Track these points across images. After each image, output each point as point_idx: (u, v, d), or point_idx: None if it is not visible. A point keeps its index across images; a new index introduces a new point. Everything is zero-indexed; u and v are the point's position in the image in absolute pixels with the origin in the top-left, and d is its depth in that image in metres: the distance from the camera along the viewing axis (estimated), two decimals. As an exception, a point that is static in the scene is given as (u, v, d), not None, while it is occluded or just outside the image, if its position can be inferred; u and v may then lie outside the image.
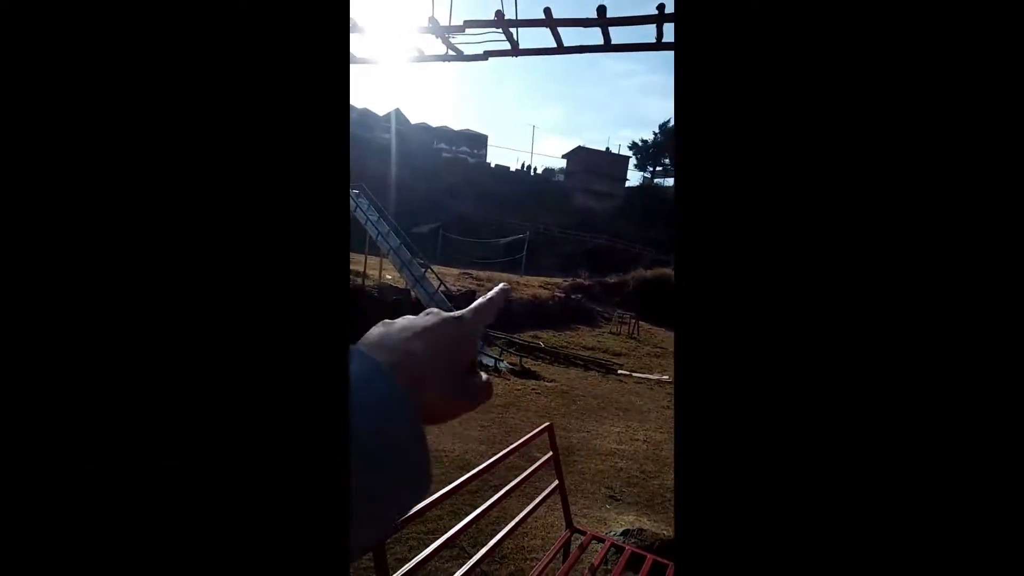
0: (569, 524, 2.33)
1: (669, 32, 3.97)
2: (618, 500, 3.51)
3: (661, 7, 3.82)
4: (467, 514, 1.67)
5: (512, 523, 1.89)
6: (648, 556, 2.21)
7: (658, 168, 42.75)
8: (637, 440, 4.80)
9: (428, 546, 1.43)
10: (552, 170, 39.92)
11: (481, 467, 1.72)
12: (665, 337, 12.39)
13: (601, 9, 3.76)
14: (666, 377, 8.08)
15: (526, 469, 2.09)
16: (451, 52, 4.35)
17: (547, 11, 3.82)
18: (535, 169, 39.17)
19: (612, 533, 2.84)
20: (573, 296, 13.87)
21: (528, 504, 2.06)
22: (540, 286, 14.14)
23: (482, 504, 1.75)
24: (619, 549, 2.32)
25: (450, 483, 1.56)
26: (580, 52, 4.14)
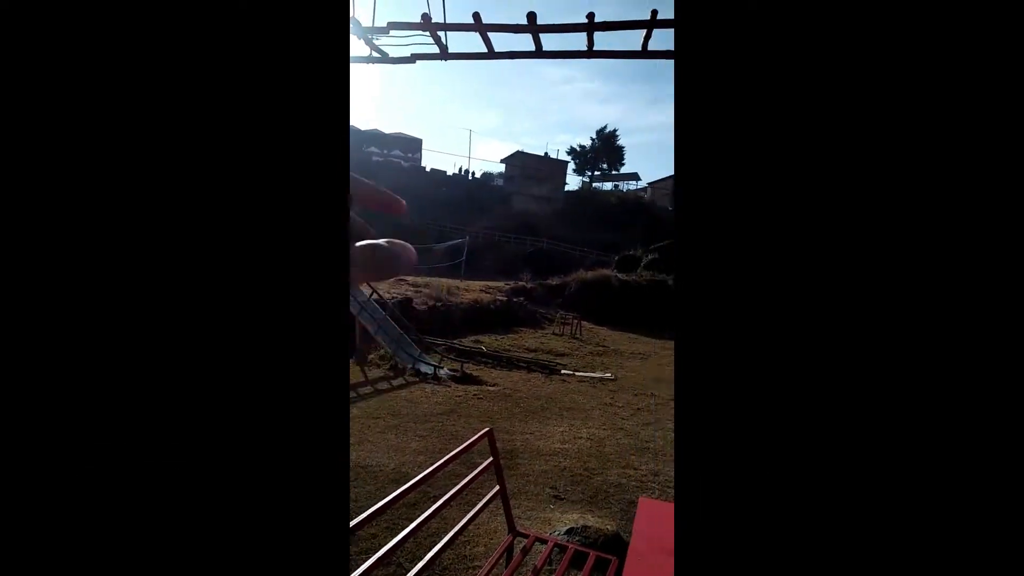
0: (511, 528, 2.32)
1: (600, 40, 4.10)
2: (562, 499, 3.54)
3: (591, 16, 3.93)
4: (404, 529, 1.62)
5: (451, 533, 1.85)
6: (591, 553, 2.25)
7: (596, 172, 44.08)
8: (580, 438, 4.88)
9: (359, 566, 1.36)
10: (491, 174, 40.06)
11: (417, 478, 1.67)
12: (607, 335, 12.75)
13: (531, 16, 3.81)
14: (608, 375, 8.31)
15: (468, 477, 2.05)
16: (375, 54, 4.24)
17: (476, 16, 3.82)
18: (473, 173, 39.16)
19: (556, 533, 2.86)
20: (515, 299, 13.96)
21: (469, 512, 2.02)
22: (481, 290, 14.12)
23: (420, 517, 1.70)
24: (563, 548, 2.34)
25: (384, 498, 1.50)
26: (511, 58, 4.18)
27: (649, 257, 20.03)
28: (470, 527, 2.20)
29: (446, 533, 1.88)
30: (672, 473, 4.13)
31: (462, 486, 1.95)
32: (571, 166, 41.96)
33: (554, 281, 17.10)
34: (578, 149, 44.01)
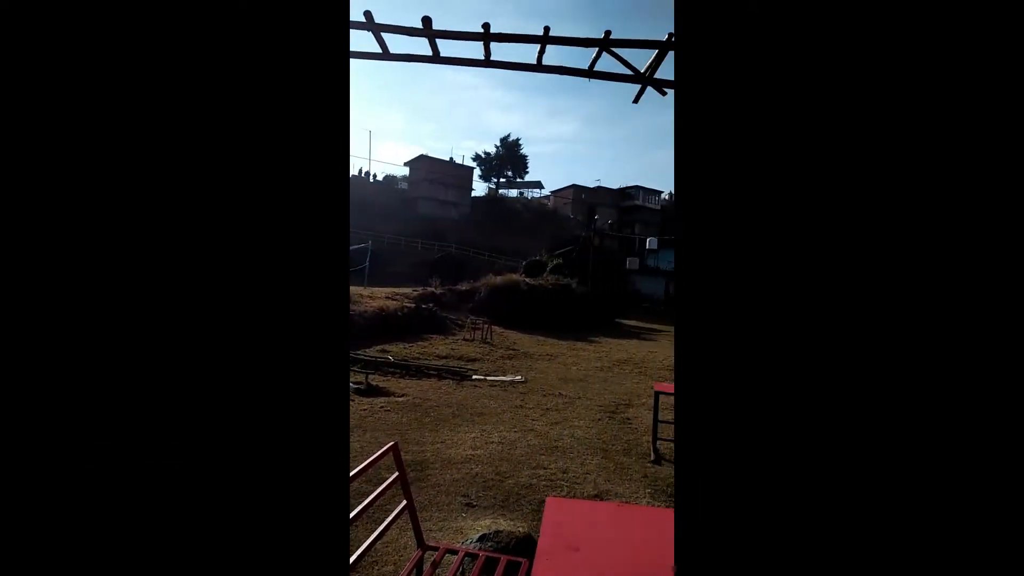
0: (420, 543, 2.26)
1: (496, 51, 4.18)
2: (474, 506, 3.53)
3: (486, 26, 4.00)
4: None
5: (355, 555, 1.76)
6: (502, 558, 2.26)
7: (501, 179, 44.85)
8: (492, 442, 4.91)
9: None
10: (394, 177, 39.08)
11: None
12: (517, 339, 12.98)
13: (426, 20, 3.78)
14: (518, 377, 8.45)
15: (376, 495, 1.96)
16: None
17: (367, 14, 3.71)
18: (375, 176, 37.89)
19: (468, 541, 2.84)
20: (424, 306, 13.72)
21: (375, 531, 1.94)
22: (387, 297, 13.69)
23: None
24: (473, 557, 2.32)
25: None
26: (407, 60, 4.11)
27: (554, 262, 20.83)
28: (377, 546, 2.10)
29: (351, 555, 1.78)
30: (579, 469, 4.30)
31: (366, 505, 1.86)
32: (477, 172, 42.32)
33: (464, 286, 17.09)
34: (483, 156, 44.52)
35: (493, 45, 4.06)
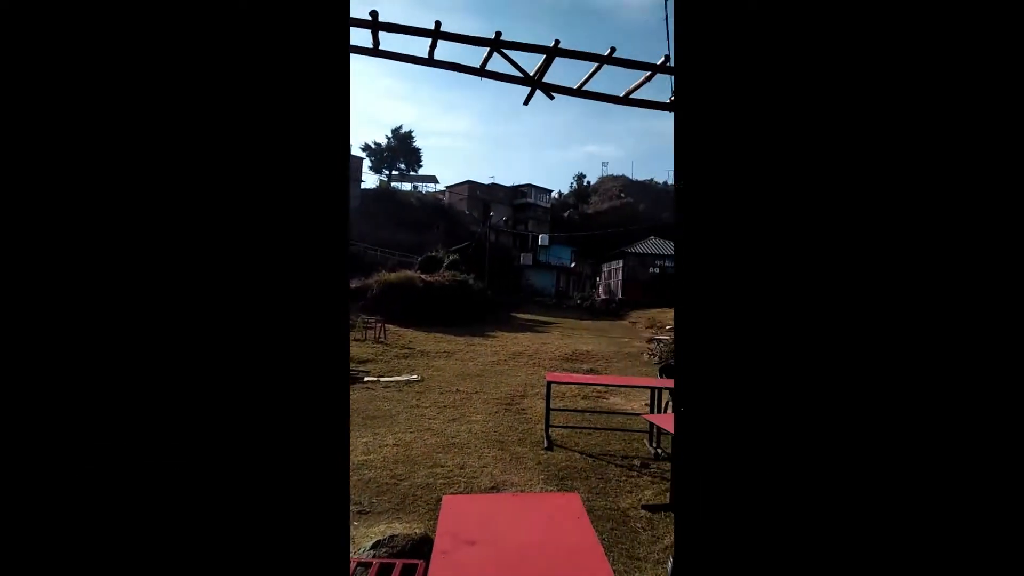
0: (308, 559, 2.14)
1: (385, 40, 4.03)
2: (368, 512, 3.41)
3: (374, 14, 3.84)
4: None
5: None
6: (397, 562, 2.22)
7: (394, 172, 43.38)
8: (386, 445, 4.77)
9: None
10: (277, 168, 35.88)
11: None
12: (413, 337, 12.71)
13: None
14: (415, 376, 8.29)
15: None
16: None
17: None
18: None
19: (361, 550, 2.74)
20: (311, 306, 12.86)
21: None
22: (271, 298, 12.58)
23: None
24: (367, 565, 2.25)
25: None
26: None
27: (451, 258, 20.76)
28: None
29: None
30: (477, 463, 4.36)
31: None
32: (366, 163, 40.51)
33: (354, 284, 16.31)
34: (373, 146, 42.71)
35: (382, 34, 3.91)
